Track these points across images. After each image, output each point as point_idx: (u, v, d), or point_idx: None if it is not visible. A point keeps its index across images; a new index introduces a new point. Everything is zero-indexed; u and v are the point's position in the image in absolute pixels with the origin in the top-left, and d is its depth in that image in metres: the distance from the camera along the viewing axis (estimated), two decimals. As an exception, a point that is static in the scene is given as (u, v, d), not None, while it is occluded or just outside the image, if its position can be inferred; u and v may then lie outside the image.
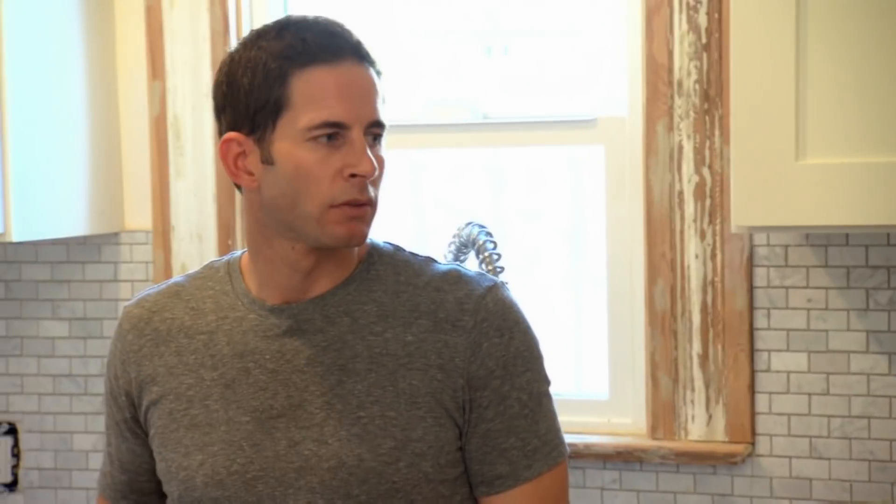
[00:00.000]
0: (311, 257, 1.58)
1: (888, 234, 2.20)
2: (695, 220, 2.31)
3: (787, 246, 2.30)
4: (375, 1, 2.92)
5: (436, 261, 1.79)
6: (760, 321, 2.30)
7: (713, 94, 2.27)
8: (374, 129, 1.48)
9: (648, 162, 2.34)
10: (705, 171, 2.27)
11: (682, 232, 2.36)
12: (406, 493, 1.66)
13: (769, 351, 2.30)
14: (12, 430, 2.77)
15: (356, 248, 1.61)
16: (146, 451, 1.56)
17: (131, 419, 1.74)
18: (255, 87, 1.54)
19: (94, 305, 2.71)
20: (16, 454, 2.84)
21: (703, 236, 2.30)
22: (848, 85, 1.77)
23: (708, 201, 2.28)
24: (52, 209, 2.57)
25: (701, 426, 2.35)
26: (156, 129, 2.64)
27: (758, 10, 1.87)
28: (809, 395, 2.28)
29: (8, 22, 2.37)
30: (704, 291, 2.32)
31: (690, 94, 2.30)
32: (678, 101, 2.30)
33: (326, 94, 1.48)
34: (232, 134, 1.50)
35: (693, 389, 2.32)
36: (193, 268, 1.97)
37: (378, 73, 1.60)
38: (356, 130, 1.43)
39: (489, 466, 1.68)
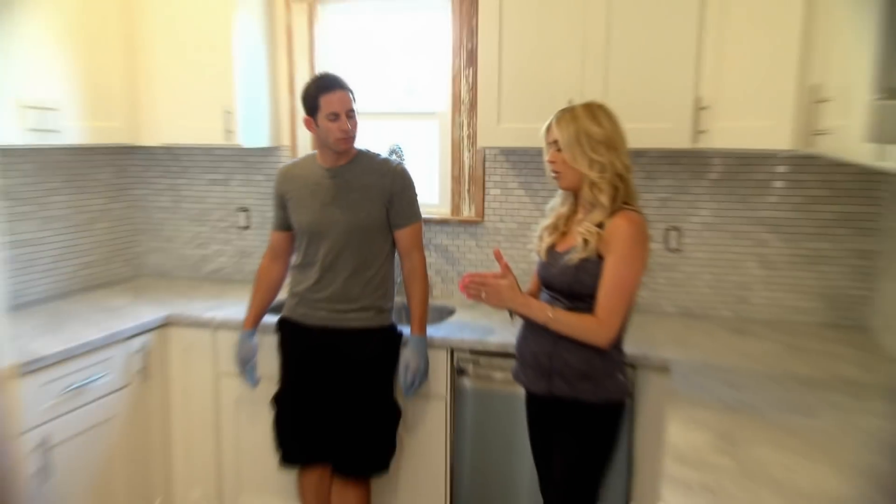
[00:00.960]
0: (333, 154, 2.40)
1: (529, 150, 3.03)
2: (467, 144, 3.21)
3: (499, 151, 3.17)
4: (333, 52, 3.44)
5: (380, 154, 2.58)
6: (488, 178, 3.26)
7: (472, 104, 3.12)
8: (350, 113, 2.32)
9: (453, 128, 3.22)
10: (470, 130, 3.16)
11: (463, 148, 3.25)
12: (371, 232, 2.41)
13: (490, 187, 3.24)
14: (245, 209, 3.56)
15: (352, 150, 2.44)
16: (287, 216, 2.52)
17: (281, 205, 2.54)
18: (309, 100, 2.33)
19: (272, 172, 3.31)
20: (248, 220, 3.55)
21: (469, 150, 3.20)
22: (517, 87, 2.72)
23: (473, 139, 3.16)
24: (258, 134, 3.31)
25: (468, 212, 3.29)
26: (291, 112, 3.39)
27: (484, 74, 2.75)
28: (505, 204, 3.23)
29: (239, 48, 3.07)
30: (471, 168, 3.26)
31: (463, 102, 3.17)
32: (462, 107, 3.19)
33: (332, 102, 2.30)
34: (306, 116, 2.36)
35: (466, 199, 3.31)
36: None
37: (352, 93, 2.36)
38: (343, 114, 2.30)
39: (397, 221, 2.44)
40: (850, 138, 1.67)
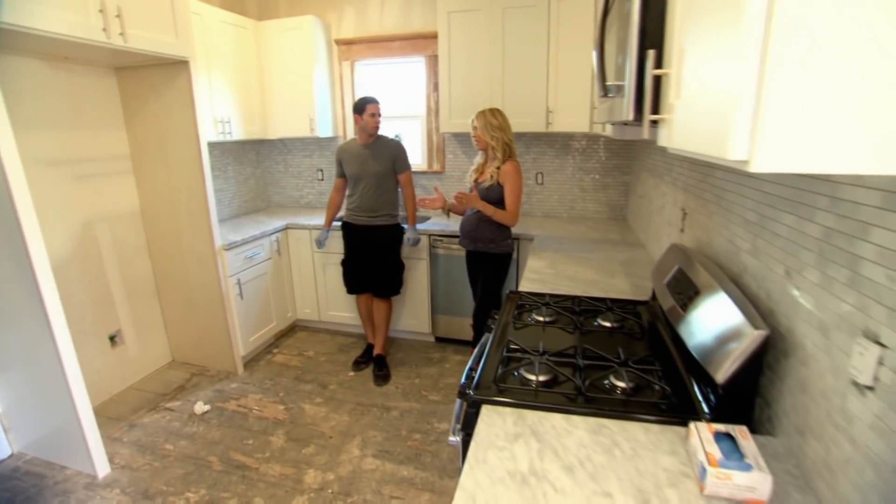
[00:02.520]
0: (366, 136, 2.62)
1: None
2: (435, 131, 3.28)
3: (451, 134, 3.26)
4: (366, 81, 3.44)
5: (390, 136, 2.75)
6: (446, 148, 3.30)
7: (436, 110, 3.17)
8: (378, 114, 2.60)
9: (427, 122, 3.30)
10: (436, 123, 3.23)
11: (433, 133, 3.27)
12: (386, 177, 2.66)
13: (447, 153, 3.29)
14: (321, 170, 3.64)
15: (376, 135, 2.63)
16: (342, 170, 2.71)
17: (339, 164, 2.71)
18: (359, 106, 2.59)
19: (333, 148, 3.40)
20: (322, 175, 3.64)
21: (436, 134, 3.28)
22: (468, 94, 2.87)
23: (438, 128, 3.22)
24: (326, 129, 3.28)
25: (436, 167, 3.36)
26: (342, 113, 3.46)
27: (442, 95, 2.90)
28: (455, 161, 3.27)
29: (316, 85, 3.16)
30: (438, 144, 3.31)
31: (432, 110, 3.25)
32: (432, 112, 3.26)
33: (372, 108, 2.60)
34: (355, 115, 2.61)
35: (435, 160, 3.30)
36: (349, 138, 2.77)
37: (380, 105, 2.63)
38: (376, 114, 2.61)
39: (398, 170, 2.67)
40: (599, 124, 2.09)
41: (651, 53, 0.80)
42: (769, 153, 0.48)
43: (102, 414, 2.51)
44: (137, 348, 2.85)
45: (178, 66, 2.45)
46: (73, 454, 2.05)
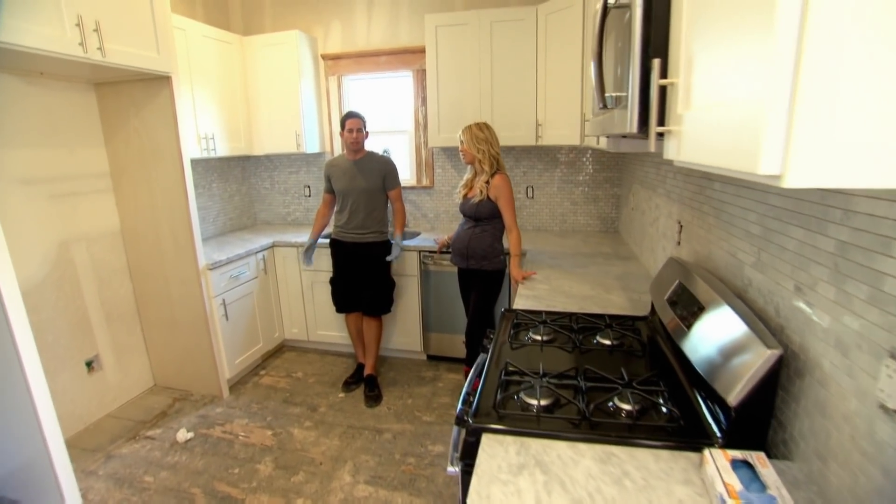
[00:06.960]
0: (353, 152, 2.63)
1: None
2: (423, 146, 3.28)
3: (439, 149, 3.27)
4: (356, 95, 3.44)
5: (378, 152, 2.81)
6: (435, 163, 3.31)
7: (425, 124, 3.18)
8: (358, 130, 2.57)
9: (416, 137, 3.30)
10: (425, 138, 3.24)
11: (422, 148, 3.28)
12: (375, 193, 2.63)
13: (436, 168, 3.31)
14: (308, 186, 3.62)
15: (362, 150, 2.62)
16: (331, 186, 2.70)
17: (328, 180, 2.70)
18: (341, 123, 2.60)
19: (321, 164, 3.42)
20: (309, 192, 3.63)
21: (424, 149, 3.29)
22: (461, 104, 2.86)
23: (426, 143, 3.24)
24: (314, 145, 3.28)
25: (425, 182, 3.36)
26: (329, 132, 3.45)
27: (430, 110, 2.89)
28: (444, 177, 3.29)
29: (302, 100, 3.15)
30: (426, 159, 3.33)
31: (421, 124, 3.25)
32: (420, 126, 3.27)
33: (349, 124, 2.57)
34: (340, 130, 2.62)
35: (424, 175, 3.30)
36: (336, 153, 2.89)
37: (362, 119, 2.59)
38: (354, 130, 2.57)
39: (388, 186, 2.65)
40: (592, 137, 2.09)
41: (656, 63, 0.77)
42: (805, 167, 0.44)
43: (77, 445, 2.39)
44: (117, 374, 2.75)
45: (160, 82, 2.41)
46: (42, 490, 1.92)
